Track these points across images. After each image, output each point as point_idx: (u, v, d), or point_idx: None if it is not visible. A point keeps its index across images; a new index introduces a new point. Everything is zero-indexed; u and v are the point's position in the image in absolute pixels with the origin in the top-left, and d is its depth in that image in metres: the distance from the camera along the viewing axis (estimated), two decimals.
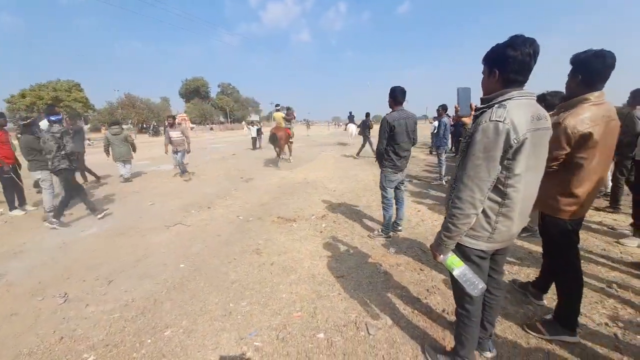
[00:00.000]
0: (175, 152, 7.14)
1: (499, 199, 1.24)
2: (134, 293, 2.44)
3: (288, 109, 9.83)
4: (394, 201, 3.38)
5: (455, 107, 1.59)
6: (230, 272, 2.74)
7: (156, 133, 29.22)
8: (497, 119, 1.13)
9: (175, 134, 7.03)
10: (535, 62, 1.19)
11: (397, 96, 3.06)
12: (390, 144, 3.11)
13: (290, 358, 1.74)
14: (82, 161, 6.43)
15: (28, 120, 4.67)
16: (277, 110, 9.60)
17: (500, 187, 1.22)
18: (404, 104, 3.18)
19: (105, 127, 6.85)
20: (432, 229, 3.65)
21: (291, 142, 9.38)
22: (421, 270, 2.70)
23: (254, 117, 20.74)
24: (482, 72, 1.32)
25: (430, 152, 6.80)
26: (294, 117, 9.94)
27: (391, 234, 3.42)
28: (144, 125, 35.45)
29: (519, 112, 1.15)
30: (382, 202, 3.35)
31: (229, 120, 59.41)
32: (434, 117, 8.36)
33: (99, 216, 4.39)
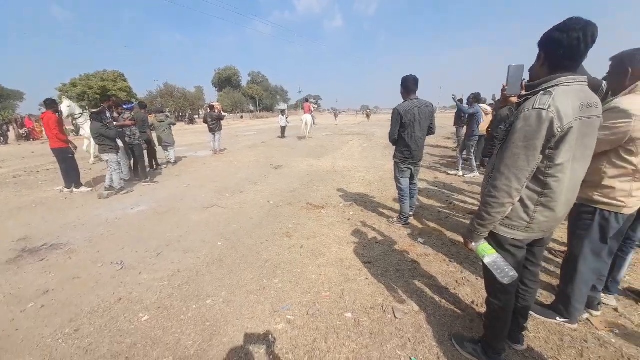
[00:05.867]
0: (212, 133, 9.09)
1: (539, 189, 1.20)
2: (179, 265, 2.71)
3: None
4: (409, 192, 3.41)
5: (503, 86, 1.50)
6: (262, 252, 2.91)
7: (192, 121, 30.79)
8: (541, 107, 1.09)
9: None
10: (588, 47, 1.09)
11: (408, 86, 3.04)
12: (401, 135, 3.13)
13: (319, 332, 1.85)
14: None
15: (97, 109, 5.16)
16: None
17: (540, 176, 1.18)
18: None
19: (152, 115, 7.59)
20: (463, 222, 3.56)
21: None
22: (450, 261, 2.68)
23: (282, 106, 21.46)
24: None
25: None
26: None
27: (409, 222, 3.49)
28: (180, 114, 37.45)
29: (566, 100, 1.09)
30: (398, 193, 3.44)
31: (258, 108, 60.67)
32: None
33: (145, 184, 5.64)
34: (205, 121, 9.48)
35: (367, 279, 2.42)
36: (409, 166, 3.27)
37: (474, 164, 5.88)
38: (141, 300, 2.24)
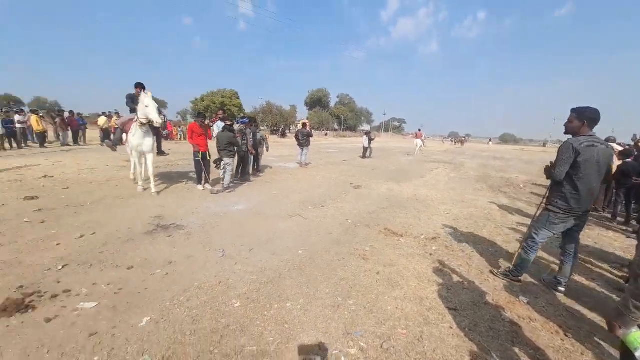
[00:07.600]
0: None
1: None
2: (266, 264, 3.02)
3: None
4: (539, 247, 2.79)
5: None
6: (339, 269, 2.97)
7: (284, 135, 34.34)
8: None
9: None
10: None
11: (592, 118, 2.40)
12: (570, 177, 2.47)
13: None
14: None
15: (229, 123, 6.51)
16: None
17: None
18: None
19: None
20: (588, 289, 2.83)
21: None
22: (565, 336, 2.15)
23: (366, 127, 22.85)
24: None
25: None
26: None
27: (521, 278, 2.89)
28: (275, 128, 42.33)
29: None
30: (526, 242, 2.80)
31: (342, 128, 63.15)
32: None
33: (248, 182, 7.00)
34: (296, 137, 10.46)
35: (451, 327, 2.17)
36: (569, 218, 2.56)
37: None
38: (235, 287, 2.58)
